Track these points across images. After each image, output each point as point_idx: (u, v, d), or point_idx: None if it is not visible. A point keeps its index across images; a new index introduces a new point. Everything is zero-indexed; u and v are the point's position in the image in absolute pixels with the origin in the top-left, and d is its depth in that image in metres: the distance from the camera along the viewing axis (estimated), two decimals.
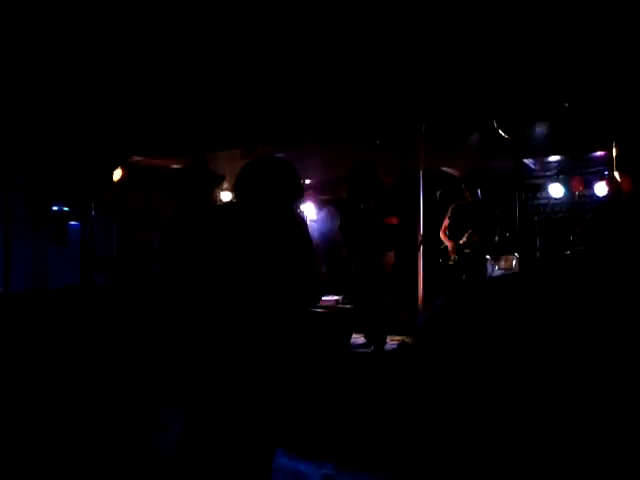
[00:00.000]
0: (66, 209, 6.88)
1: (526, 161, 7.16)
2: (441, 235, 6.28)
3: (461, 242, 6.07)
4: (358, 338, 5.62)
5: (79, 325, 6.16)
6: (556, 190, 7.32)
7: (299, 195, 2.65)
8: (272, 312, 2.45)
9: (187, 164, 3.59)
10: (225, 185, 4.29)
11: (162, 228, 3.46)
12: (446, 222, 6.29)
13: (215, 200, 3.60)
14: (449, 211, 6.30)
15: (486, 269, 6.29)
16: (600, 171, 6.85)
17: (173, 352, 3.12)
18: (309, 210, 8.12)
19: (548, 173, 7.52)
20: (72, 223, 7.01)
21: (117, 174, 6.89)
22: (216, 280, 2.49)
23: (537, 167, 7.50)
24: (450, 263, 6.15)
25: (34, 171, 6.70)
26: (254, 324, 2.43)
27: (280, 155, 6.15)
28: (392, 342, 5.58)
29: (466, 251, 6.06)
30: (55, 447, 4.26)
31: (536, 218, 7.86)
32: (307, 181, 8.32)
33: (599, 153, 6.41)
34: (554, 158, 7.06)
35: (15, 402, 5.12)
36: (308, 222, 7.59)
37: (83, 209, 7.04)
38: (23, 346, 5.80)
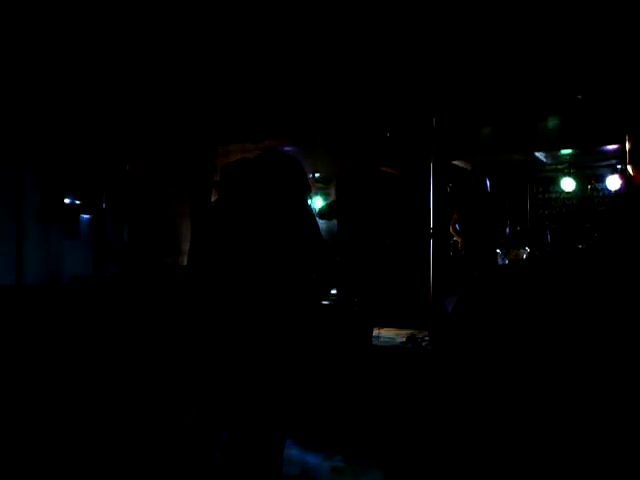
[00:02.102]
0: (78, 202, 6.92)
1: (537, 154, 7.11)
2: (451, 229, 6.24)
3: (471, 237, 6.04)
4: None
5: (90, 317, 6.22)
6: (567, 184, 7.27)
7: (306, 189, 2.64)
8: (284, 304, 2.46)
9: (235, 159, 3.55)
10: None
11: (199, 220, 3.45)
12: (455, 216, 6.25)
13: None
14: (458, 204, 6.25)
15: (497, 263, 6.25)
16: (613, 165, 6.79)
17: (187, 342, 3.15)
18: (318, 203, 8.11)
19: (559, 167, 7.47)
20: (83, 216, 7.06)
21: (128, 166, 6.93)
22: (230, 273, 2.51)
23: (548, 161, 7.45)
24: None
25: (46, 164, 6.74)
26: (266, 316, 2.44)
27: (291, 148, 6.17)
28: (401, 335, 5.58)
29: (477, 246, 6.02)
30: (62, 437, 4.31)
31: (547, 212, 7.81)
32: (317, 174, 8.32)
33: (612, 146, 6.36)
34: (566, 151, 7.01)
35: (26, 392, 5.18)
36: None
37: (94, 202, 7.09)
38: (35, 338, 5.87)
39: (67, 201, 6.80)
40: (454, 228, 6.22)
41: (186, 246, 3.34)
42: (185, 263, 3.44)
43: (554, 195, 7.86)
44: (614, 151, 6.44)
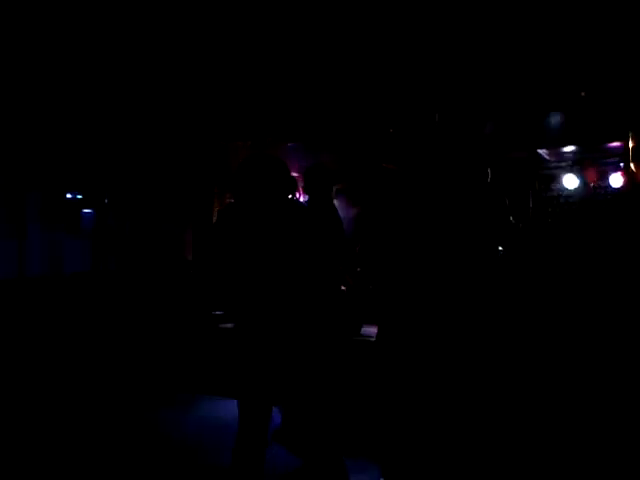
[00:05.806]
0: (80, 197, 6.93)
1: (540, 151, 7.09)
2: None
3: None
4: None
5: (90, 309, 6.24)
6: (570, 181, 7.25)
7: (292, 187, 2.74)
8: (296, 300, 2.57)
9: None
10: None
11: (220, 217, 3.50)
12: None
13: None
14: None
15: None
16: (615, 162, 6.78)
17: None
18: None
19: (562, 164, 7.45)
20: (85, 211, 7.07)
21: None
22: (237, 269, 2.64)
23: (551, 158, 7.43)
24: None
25: (48, 159, 6.75)
26: (279, 312, 2.55)
27: (292, 145, 6.16)
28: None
29: None
30: (68, 430, 4.33)
31: (550, 209, 7.80)
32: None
33: (614, 144, 6.34)
34: (569, 149, 6.99)
35: (26, 383, 5.20)
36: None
37: (97, 197, 7.10)
38: (37, 329, 5.89)
39: (69, 196, 6.81)
40: None
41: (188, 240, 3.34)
42: (188, 258, 3.46)
43: (556, 192, 7.85)
44: (617, 149, 6.43)
